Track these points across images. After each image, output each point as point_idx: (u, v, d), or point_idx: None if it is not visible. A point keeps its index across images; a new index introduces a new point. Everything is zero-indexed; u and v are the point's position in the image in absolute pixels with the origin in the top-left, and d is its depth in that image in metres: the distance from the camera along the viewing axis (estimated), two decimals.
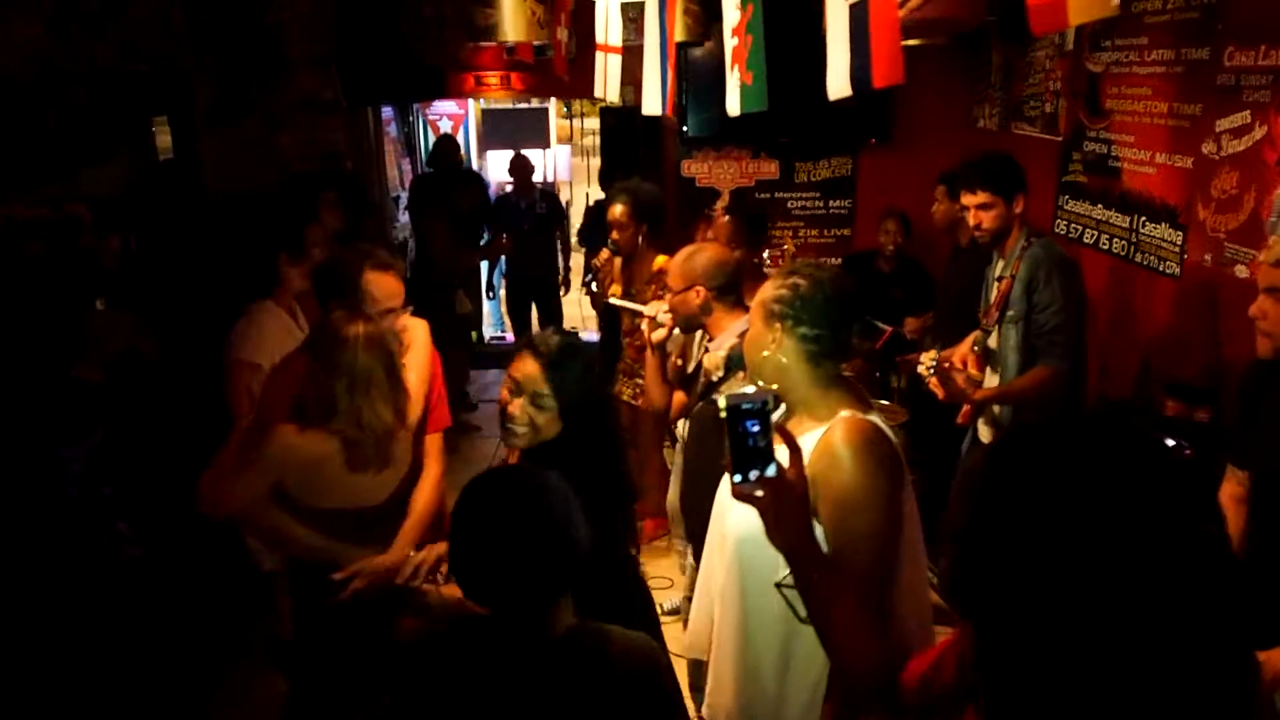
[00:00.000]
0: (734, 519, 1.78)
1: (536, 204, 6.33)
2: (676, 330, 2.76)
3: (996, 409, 3.01)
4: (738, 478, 1.17)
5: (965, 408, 2.97)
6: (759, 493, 1.19)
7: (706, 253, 2.66)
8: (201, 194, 4.00)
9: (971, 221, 2.97)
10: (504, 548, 1.37)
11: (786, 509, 1.20)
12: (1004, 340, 2.94)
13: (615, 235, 3.95)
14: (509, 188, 6.64)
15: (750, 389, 1.18)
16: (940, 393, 2.89)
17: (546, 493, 1.42)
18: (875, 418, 1.67)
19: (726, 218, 3.69)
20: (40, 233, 2.90)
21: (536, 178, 6.51)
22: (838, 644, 1.26)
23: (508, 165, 6.49)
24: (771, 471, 1.18)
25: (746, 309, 2.58)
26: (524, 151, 6.65)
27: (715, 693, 1.86)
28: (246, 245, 3.25)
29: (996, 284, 3.01)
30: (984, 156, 3.12)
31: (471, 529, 1.40)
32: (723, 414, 1.17)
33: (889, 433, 1.67)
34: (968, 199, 2.97)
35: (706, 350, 2.66)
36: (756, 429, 1.16)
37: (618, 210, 3.94)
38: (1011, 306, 2.90)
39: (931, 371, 2.84)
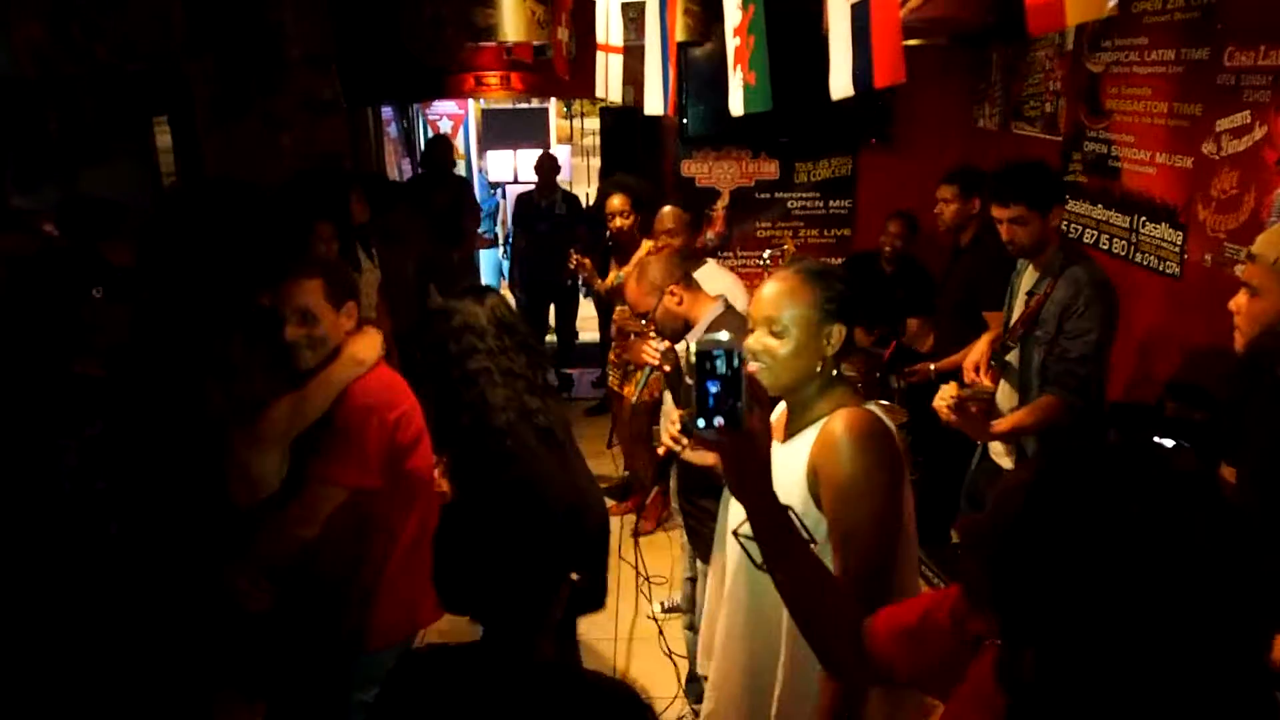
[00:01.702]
0: (735, 515, 1.80)
1: (556, 205, 6.21)
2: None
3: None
4: (700, 423, 1.15)
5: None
6: (723, 440, 1.17)
7: (655, 260, 2.80)
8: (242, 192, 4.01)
9: (1005, 236, 2.75)
10: (501, 568, 1.38)
11: (749, 461, 1.19)
12: (1027, 359, 2.76)
13: (618, 223, 4.23)
14: (509, 187, 6.64)
15: (723, 335, 1.16)
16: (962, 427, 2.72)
17: (547, 518, 1.43)
18: (874, 408, 1.71)
19: (668, 208, 3.88)
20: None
21: (535, 177, 6.47)
22: (795, 600, 1.26)
23: (534, 163, 6.39)
24: (737, 423, 1.15)
25: (701, 289, 2.75)
26: (521, 151, 6.64)
27: (718, 688, 1.89)
28: (249, 245, 3.24)
29: (1026, 298, 2.81)
30: (1016, 165, 2.86)
31: (471, 542, 1.42)
32: (691, 358, 1.15)
33: (889, 424, 1.69)
34: (999, 212, 2.72)
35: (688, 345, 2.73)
36: (725, 377, 1.13)
37: (617, 201, 4.22)
38: (1040, 326, 2.71)
39: (952, 408, 2.65)
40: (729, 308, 2.68)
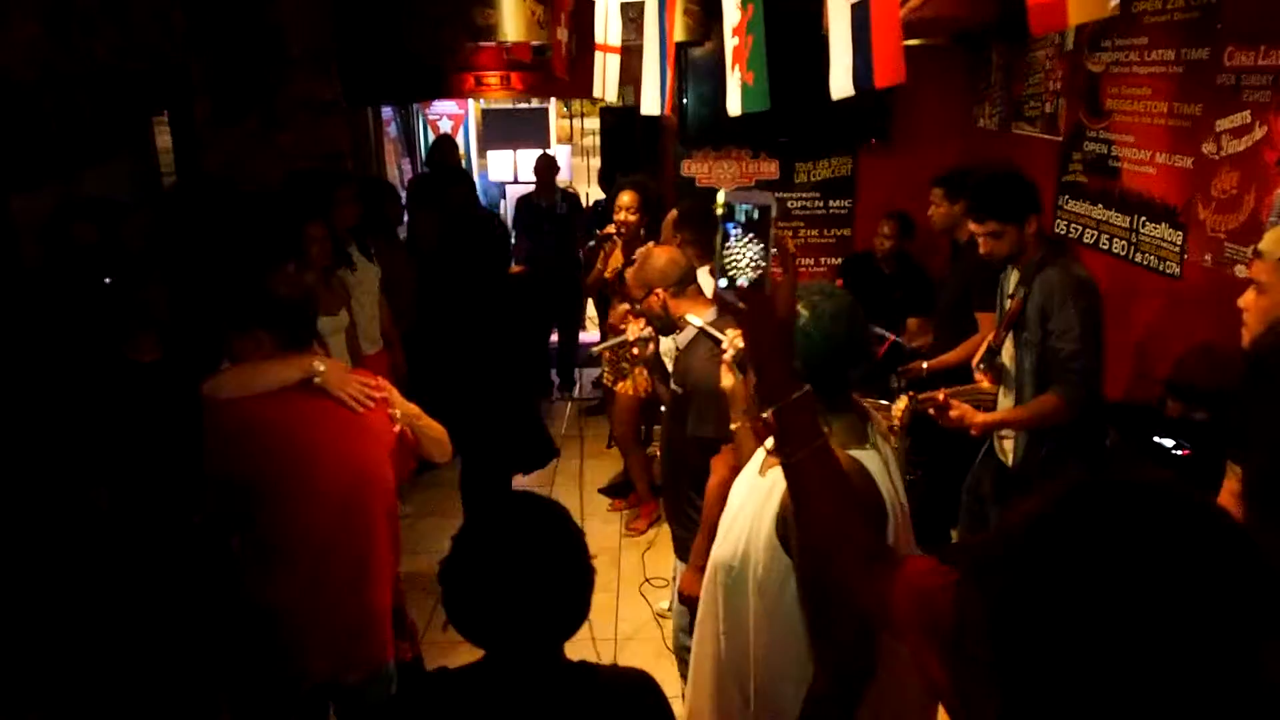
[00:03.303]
0: (716, 542, 1.78)
1: (557, 205, 6.21)
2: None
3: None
4: (723, 282, 1.11)
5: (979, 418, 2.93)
6: (740, 304, 1.12)
7: (656, 257, 2.75)
8: (231, 192, 4.01)
9: (982, 250, 2.82)
10: (533, 587, 1.29)
11: (764, 325, 1.14)
12: (1019, 362, 2.81)
13: (624, 217, 4.22)
14: (509, 187, 6.64)
15: (755, 190, 1.13)
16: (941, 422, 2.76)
17: (564, 531, 1.36)
18: (860, 454, 1.59)
19: (674, 213, 3.75)
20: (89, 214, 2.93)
21: (533, 178, 6.47)
22: (803, 491, 1.19)
23: (533, 165, 6.38)
24: (760, 285, 1.11)
25: (709, 299, 2.67)
26: (521, 151, 6.64)
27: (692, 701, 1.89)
28: (245, 244, 3.25)
29: (1009, 299, 2.87)
30: (989, 180, 2.88)
31: (491, 567, 1.31)
32: (719, 210, 1.11)
33: (870, 471, 1.59)
34: (974, 228, 2.81)
35: (676, 345, 2.72)
36: (748, 234, 1.09)
37: (627, 198, 4.22)
38: (1025, 329, 2.77)
39: (908, 418, 2.70)
40: (716, 322, 2.62)
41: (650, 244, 4.06)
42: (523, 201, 6.49)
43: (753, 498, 1.71)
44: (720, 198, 1.11)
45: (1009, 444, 2.94)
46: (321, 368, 2.16)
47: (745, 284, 1.10)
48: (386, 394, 2.28)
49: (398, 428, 2.27)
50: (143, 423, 2.34)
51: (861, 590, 1.18)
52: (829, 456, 1.18)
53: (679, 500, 2.73)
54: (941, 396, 2.72)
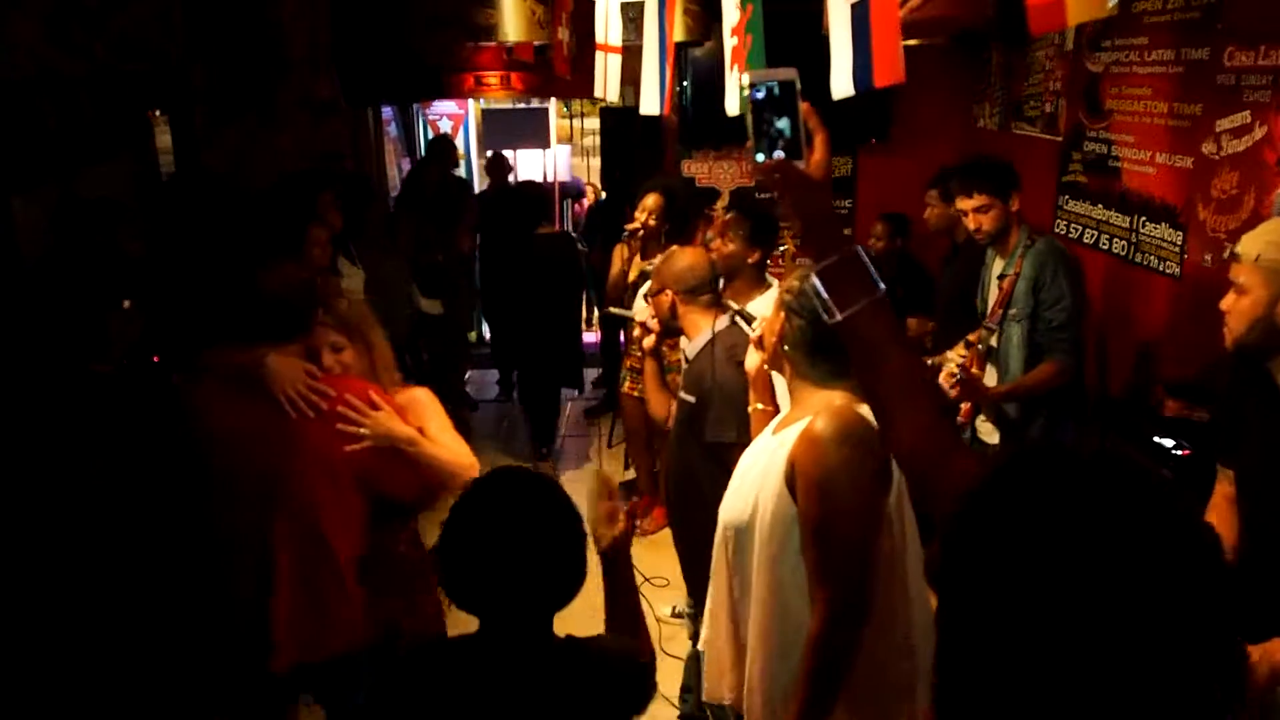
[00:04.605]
0: (724, 505, 1.86)
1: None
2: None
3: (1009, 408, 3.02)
4: (759, 156, 1.18)
5: (965, 406, 2.98)
6: (776, 175, 1.18)
7: (679, 257, 2.71)
8: (232, 193, 4.01)
9: (971, 225, 3.00)
10: (526, 557, 1.33)
11: (804, 192, 1.19)
12: (1006, 338, 2.95)
13: (643, 219, 4.11)
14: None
15: (777, 68, 1.18)
16: (954, 392, 2.90)
17: (557, 502, 1.39)
18: (868, 412, 1.65)
19: (729, 215, 3.34)
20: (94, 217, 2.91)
21: (536, 177, 6.48)
22: (859, 350, 1.22)
23: (486, 164, 6.49)
24: (796, 152, 1.17)
25: (723, 309, 2.62)
26: (524, 151, 6.65)
27: (712, 675, 1.93)
28: (245, 246, 3.24)
29: (998, 283, 3.01)
30: (975, 159, 3.17)
31: (485, 536, 1.35)
32: (745, 90, 1.19)
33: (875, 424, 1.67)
34: (964, 203, 3.00)
35: (683, 352, 2.72)
36: (777, 110, 1.16)
37: (652, 201, 4.12)
38: (1015, 305, 2.92)
39: (956, 378, 2.86)
40: (731, 327, 2.57)
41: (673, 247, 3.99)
42: (483, 199, 6.55)
43: (762, 455, 1.79)
44: (746, 79, 1.20)
45: (987, 425, 3.09)
46: (261, 361, 2.04)
47: (781, 156, 1.16)
48: (354, 409, 2.09)
49: (358, 446, 2.09)
50: (103, 430, 2.31)
51: (920, 447, 1.19)
52: (886, 311, 1.21)
53: (684, 515, 2.71)
54: (970, 360, 2.95)
